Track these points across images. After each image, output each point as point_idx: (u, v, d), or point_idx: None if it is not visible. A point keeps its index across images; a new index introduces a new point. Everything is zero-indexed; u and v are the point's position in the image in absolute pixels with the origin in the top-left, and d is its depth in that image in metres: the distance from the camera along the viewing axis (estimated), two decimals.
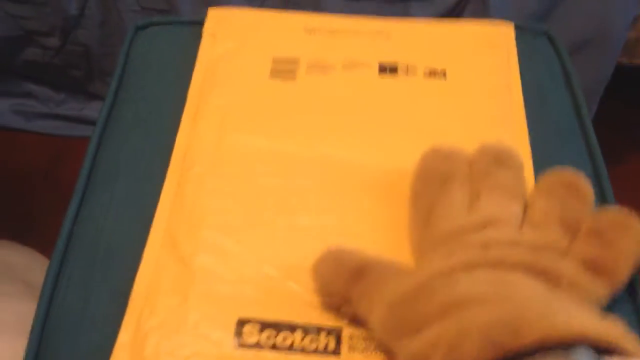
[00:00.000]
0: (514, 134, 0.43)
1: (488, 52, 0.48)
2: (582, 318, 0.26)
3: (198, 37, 0.51)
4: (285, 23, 0.50)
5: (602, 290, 0.31)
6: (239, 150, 0.41)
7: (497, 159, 0.36)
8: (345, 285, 0.32)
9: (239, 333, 0.33)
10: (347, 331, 0.33)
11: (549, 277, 0.30)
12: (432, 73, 0.45)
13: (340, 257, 0.33)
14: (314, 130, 0.42)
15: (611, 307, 0.33)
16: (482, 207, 0.33)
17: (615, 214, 0.34)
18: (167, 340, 0.33)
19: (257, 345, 0.33)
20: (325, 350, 0.32)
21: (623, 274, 0.32)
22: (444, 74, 0.45)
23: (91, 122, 1.01)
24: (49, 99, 1.02)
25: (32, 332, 0.35)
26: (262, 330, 0.33)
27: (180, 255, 0.36)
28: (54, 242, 0.39)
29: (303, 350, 0.32)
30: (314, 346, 0.33)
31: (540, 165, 0.42)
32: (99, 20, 0.86)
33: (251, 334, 0.33)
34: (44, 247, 0.79)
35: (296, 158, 0.40)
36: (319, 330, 0.33)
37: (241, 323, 0.33)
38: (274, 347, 0.33)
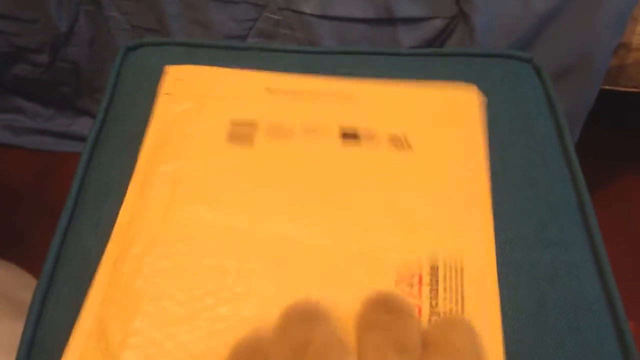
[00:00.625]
0: (477, 216, 0.40)
1: (453, 120, 0.45)
2: None
3: (189, 57, 0.51)
4: (246, 82, 0.47)
5: None
6: (186, 225, 0.38)
7: (303, 319, 0.31)
8: None
9: None
10: None
11: None
12: (396, 141, 0.43)
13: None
14: (269, 205, 0.39)
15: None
16: None
17: (444, 319, 0.34)
18: None
19: None
20: None
21: None
22: (408, 144, 0.43)
23: (79, 138, 1.01)
24: (37, 115, 1.02)
25: (19, 351, 0.35)
26: None
27: (107, 346, 0.33)
28: (41, 259, 0.39)
29: None
30: None
31: (524, 191, 0.43)
32: (88, 37, 0.86)
33: None
34: (30, 264, 0.79)
35: (247, 237, 0.37)
36: None
37: None
38: None
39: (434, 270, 0.37)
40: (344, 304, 0.32)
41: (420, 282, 0.36)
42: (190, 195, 0.39)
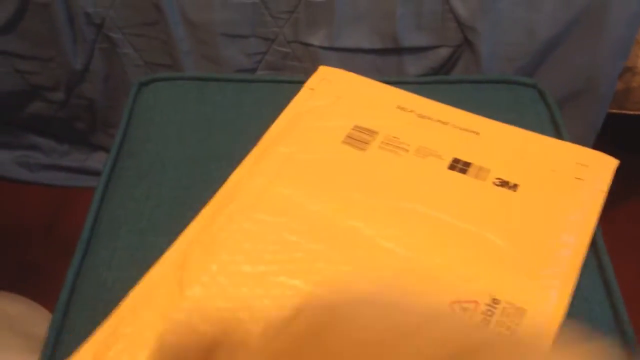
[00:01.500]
0: (560, 270, 0.39)
1: (577, 183, 0.44)
2: None
3: (200, 92, 0.52)
4: (382, 95, 0.51)
5: None
6: (281, 200, 0.42)
7: None
8: None
9: None
10: None
11: None
12: (503, 182, 0.43)
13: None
14: (358, 203, 0.42)
15: None
16: None
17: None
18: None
19: None
20: None
21: None
22: (515, 186, 0.43)
23: (94, 173, 1.02)
24: (52, 151, 1.04)
25: None
26: None
27: (182, 277, 0.38)
28: (55, 294, 0.39)
29: None
30: None
31: None
32: (103, 74, 0.88)
33: None
34: (45, 299, 0.79)
35: (329, 225, 0.41)
36: None
37: None
38: None
39: (494, 301, 0.36)
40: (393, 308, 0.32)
41: (475, 309, 0.36)
42: (294, 177, 0.44)
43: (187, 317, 0.36)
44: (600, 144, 0.86)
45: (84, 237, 0.42)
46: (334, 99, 0.50)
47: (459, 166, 0.44)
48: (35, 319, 0.75)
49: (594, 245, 0.42)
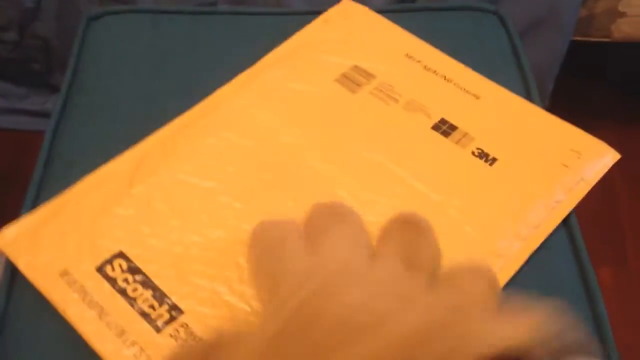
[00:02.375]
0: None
1: (561, 170, 0.41)
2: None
3: (154, 25, 0.50)
4: (393, 40, 0.48)
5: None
6: (253, 123, 0.42)
7: (331, 213, 0.32)
8: None
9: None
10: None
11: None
12: (482, 155, 0.41)
13: (181, 353, 0.29)
14: (327, 145, 0.41)
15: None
16: (325, 251, 0.29)
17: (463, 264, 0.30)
18: None
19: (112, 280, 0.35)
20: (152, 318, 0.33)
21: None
22: (493, 162, 0.41)
23: None
24: (10, 94, 1.01)
25: None
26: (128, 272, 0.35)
27: (131, 177, 0.39)
28: None
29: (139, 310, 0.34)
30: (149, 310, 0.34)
31: None
32: (55, 12, 0.84)
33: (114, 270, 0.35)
34: None
35: (291, 158, 0.40)
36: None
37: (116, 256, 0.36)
38: (121, 291, 0.34)
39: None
40: None
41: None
42: (275, 103, 0.43)
43: (126, 213, 0.37)
44: (565, 72, 0.87)
45: (36, 179, 0.41)
46: (344, 35, 0.48)
47: (444, 128, 0.42)
48: None
49: (569, 231, 0.40)
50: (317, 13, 0.53)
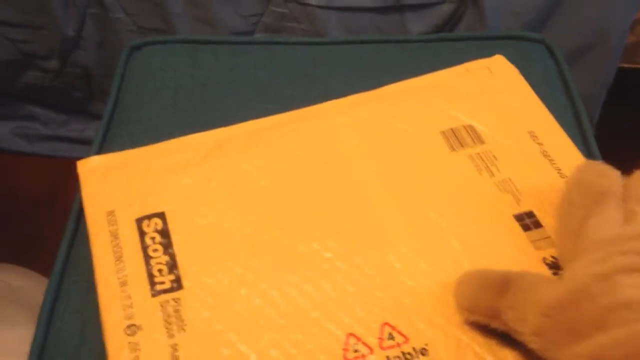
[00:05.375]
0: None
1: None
2: None
3: (193, 55, 0.51)
4: (527, 111, 0.46)
5: None
6: (336, 145, 0.42)
7: None
8: (491, 300, 0.32)
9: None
10: None
11: None
12: (552, 266, 0.37)
13: (481, 274, 0.34)
14: (398, 190, 0.40)
15: None
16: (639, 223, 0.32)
17: None
18: None
19: None
20: None
21: None
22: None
23: None
24: (50, 121, 1.03)
25: (30, 357, 0.35)
26: None
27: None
28: None
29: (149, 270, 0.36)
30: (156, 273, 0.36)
31: None
32: (96, 41, 0.86)
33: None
34: (48, 271, 0.79)
35: (356, 186, 0.40)
36: None
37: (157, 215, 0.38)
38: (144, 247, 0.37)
39: None
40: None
41: None
42: (360, 128, 0.44)
43: (186, 182, 0.40)
44: (611, 100, 0.85)
45: (76, 208, 0.41)
46: (477, 90, 0.46)
47: (527, 221, 0.39)
48: (38, 291, 0.75)
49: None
50: (358, 42, 0.53)
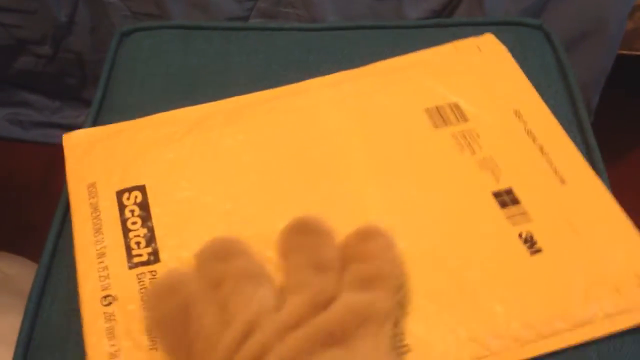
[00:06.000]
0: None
1: (612, 291, 0.35)
2: None
3: (185, 41, 0.50)
4: (513, 91, 0.45)
5: (385, 303, 0.31)
6: (319, 120, 0.42)
7: (217, 256, 0.33)
8: None
9: None
10: None
11: (337, 336, 0.29)
12: (528, 241, 0.37)
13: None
14: (377, 165, 0.40)
15: None
16: (233, 313, 0.30)
17: (357, 230, 0.33)
18: None
19: None
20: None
21: (390, 275, 0.32)
22: (537, 252, 0.37)
23: None
24: (44, 108, 1.02)
25: (16, 348, 0.35)
26: None
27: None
28: None
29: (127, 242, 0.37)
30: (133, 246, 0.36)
31: None
32: (89, 26, 0.85)
33: None
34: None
35: (337, 160, 0.41)
36: None
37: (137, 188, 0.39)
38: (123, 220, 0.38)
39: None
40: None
41: None
42: (343, 103, 0.44)
43: (168, 156, 0.40)
44: (609, 87, 0.84)
45: (64, 197, 0.41)
46: (464, 68, 0.46)
47: (505, 198, 0.39)
48: (31, 279, 0.75)
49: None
50: (353, 28, 0.52)
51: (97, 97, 0.47)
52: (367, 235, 0.33)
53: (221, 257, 0.32)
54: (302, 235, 0.33)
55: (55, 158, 1.02)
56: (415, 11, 0.74)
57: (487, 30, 0.52)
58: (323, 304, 0.30)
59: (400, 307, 0.32)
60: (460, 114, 0.43)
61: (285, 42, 0.51)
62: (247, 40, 0.51)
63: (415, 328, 0.33)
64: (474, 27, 0.52)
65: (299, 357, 0.28)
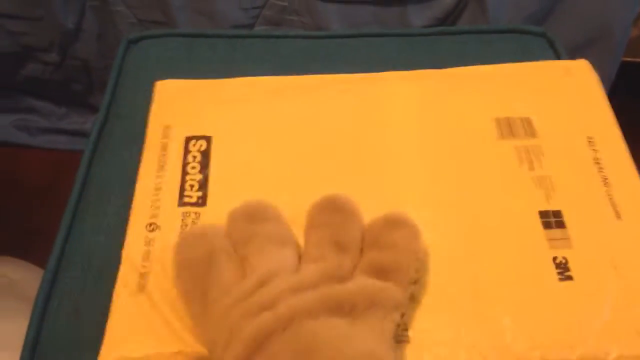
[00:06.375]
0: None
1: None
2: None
3: (190, 49, 0.50)
4: (592, 117, 0.44)
5: (397, 294, 0.31)
6: (382, 108, 0.44)
7: (250, 217, 0.34)
8: None
9: None
10: None
11: (344, 309, 0.29)
12: (560, 266, 0.36)
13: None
14: (426, 163, 0.41)
15: None
16: (253, 267, 0.32)
17: (385, 216, 0.34)
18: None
19: None
20: None
21: (408, 268, 0.32)
22: (568, 279, 0.36)
23: None
24: (51, 114, 1.03)
25: (23, 351, 0.35)
26: None
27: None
28: None
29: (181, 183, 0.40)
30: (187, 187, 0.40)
31: None
32: (96, 33, 0.86)
33: None
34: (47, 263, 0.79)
35: (383, 151, 0.42)
36: None
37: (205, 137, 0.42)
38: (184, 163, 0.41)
39: None
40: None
41: None
42: (410, 97, 0.45)
43: (249, 116, 0.43)
44: (615, 95, 0.84)
45: (72, 203, 0.41)
46: (548, 86, 0.45)
47: (550, 219, 0.38)
48: (37, 284, 0.75)
49: None
50: (357, 36, 0.53)
51: (104, 103, 0.47)
52: (393, 223, 0.33)
53: (253, 218, 0.34)
54: (329, 213, 0.34)
55: (61, 164, 1.03)
56: (419, 19, 0.74)
57: (490, 39, 0.52)
58: (336, 279, 0.31)
59: (411, 300, 0.33)
60: (529, 129, 0.42)
61: (290, 50, 0.52)
62: (252, 48, 0.52)
63: (420, 322, 0.33)
64: (478, 35, 0.53)
65: (305, 315, 0.29)
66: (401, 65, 0.47)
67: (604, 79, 0.78)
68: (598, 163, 0.41)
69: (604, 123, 0.43)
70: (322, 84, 0.46)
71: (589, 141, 0.42)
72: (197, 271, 0.32)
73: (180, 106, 0.44)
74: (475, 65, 0.47)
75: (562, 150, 0.41)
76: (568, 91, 0.45)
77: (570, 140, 0.42)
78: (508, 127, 0.42)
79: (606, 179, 0.40)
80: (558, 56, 0.50)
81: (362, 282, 0.31)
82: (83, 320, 0.36)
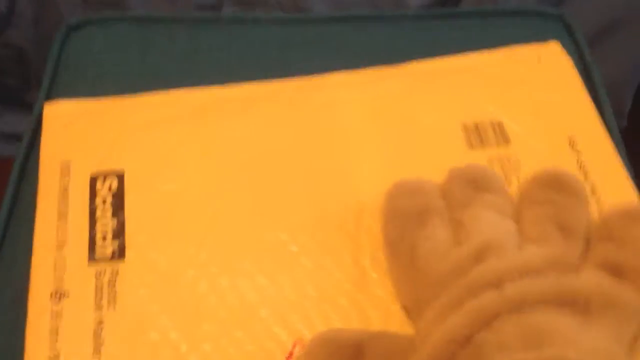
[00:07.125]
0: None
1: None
2: None
3: (145, 37, 0.50)
4: (571, 113, 0.45)
5: (637, 299, 0.31)
6: (332, 118, 0.44)
7: (472, 182, 0.36)
8: None
9: None
10: None
11: (578, 305, 0.30)
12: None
13: (332, 340, 0.33)
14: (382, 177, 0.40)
15: None
16: (470, 234, 0.34)
17: (623, 207, 0.35)
18: None
19: None
20: None
21: None
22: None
23: None
24: None
25: None
26: None
27: None
28: None
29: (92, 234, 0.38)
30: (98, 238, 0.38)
31: None
32: (32, 16, 0.85)
33: None
34: None
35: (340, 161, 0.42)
36: None
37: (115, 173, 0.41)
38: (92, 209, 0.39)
39: None
40: None
41: None
42: (363, 104, 0.45)
43: (154, 142, 0.42)
44: None
45: (2, 217, 0.41)
46: (517, 81, 0.46)
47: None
48: None
49: None
50: (343, 20, 0.53)
51: (39, 100, 0.47)
52: (634, 217, 0.34)
53: (476, 185, 0.36)
54: (553, 189, 0.35)
55: None
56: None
57: (500, 22, 0.53)
58: (563, 268, 0.32)
59: None
60: (502, 136, 0.43)
61: (262, 36, 0.52)
62: (217, 35, 0.52)
63: None
64: (485, 18, 0.53)
65: (536, 302, 0.30)
66: (394, 55, 0.48)
67: (632, 68, 0.79)
68: (583, 168, 0.42)
69: (584, 118, 0.45)
70: (254, 96, 0.45)
71: (570, 143, 0.43)
72: (407, 223, 0.35)
73: (79, 134, 0.42)
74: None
75: (540, 157, 0.42)
76: (541, 83, 0.46)
77: (548, 143, 0.43)
78: (477, 135, 0.43)
79: (594, 186, 0.40)
80: (576, 43, 0.50)
81: (597, 278, 0.31)
82: (17, 340, 0.35)
